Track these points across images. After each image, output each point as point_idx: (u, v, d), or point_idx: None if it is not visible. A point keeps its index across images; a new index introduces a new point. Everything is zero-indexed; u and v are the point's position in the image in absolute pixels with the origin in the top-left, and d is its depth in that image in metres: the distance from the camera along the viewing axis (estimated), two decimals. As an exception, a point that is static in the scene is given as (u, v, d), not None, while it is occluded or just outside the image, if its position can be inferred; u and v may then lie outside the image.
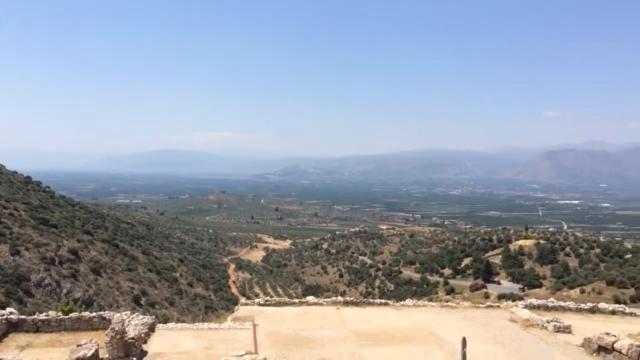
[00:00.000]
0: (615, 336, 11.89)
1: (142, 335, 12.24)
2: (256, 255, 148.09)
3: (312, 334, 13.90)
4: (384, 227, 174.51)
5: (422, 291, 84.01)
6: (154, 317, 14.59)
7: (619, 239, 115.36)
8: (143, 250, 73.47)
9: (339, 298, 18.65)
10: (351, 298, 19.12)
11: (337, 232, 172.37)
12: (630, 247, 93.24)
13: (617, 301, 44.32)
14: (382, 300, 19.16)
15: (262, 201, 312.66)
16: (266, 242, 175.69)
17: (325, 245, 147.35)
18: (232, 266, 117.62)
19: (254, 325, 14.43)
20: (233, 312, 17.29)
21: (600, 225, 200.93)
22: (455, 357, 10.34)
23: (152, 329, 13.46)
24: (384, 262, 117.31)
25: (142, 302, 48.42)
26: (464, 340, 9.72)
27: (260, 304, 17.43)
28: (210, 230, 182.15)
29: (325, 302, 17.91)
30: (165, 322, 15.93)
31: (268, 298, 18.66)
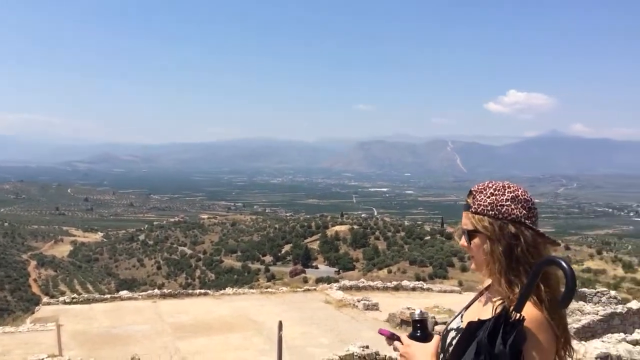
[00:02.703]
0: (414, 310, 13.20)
1: None
2: (62, 250, 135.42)
3: (125, 331, 13.15)
4: (205, 216, 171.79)
5: (243, 279, 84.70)
6: None
7: (420, 222, 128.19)
8: None
9: (156, 291, 17.96)
10: (169, 290, 18.55)
11: (155, 223, 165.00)
12: (429, 229, 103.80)
13: (418, 278, 49.37)
14: (202, 291, 18.94)
15: (68, 191, 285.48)
16: (74, 235, 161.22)
17: (141, 237, 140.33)
18: (33, 263, 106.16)
19: (58, 326, 13.19)
20: (33, 313, 15.79)
21: (405, 211, 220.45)
22: (273, 341, 10.57)
23: None
24: (204, 252, 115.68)
25: None
26: (280, 323, 9.97)
27: (65, 302, 16.11)
28: (6, 224, 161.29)
29: (140, 296, 17.10)
30: (-55, 331, 13.74)
31: (75, 295, 17.30)
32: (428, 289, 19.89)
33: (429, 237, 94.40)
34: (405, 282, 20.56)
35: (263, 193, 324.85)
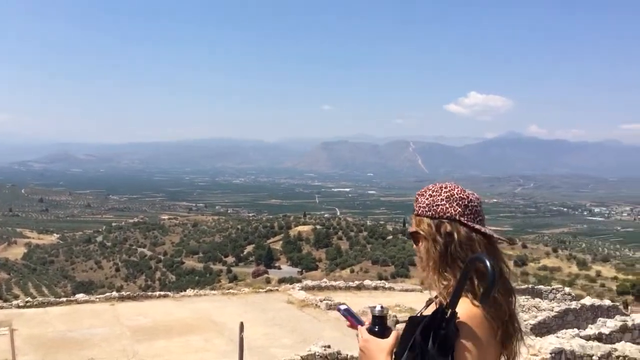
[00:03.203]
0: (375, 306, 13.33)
1: None
2: (15, 252, 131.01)
3: (82, 334, 12.80)
4: (166, 217, 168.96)
5: (204, 280, 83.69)
6: None
7: (382, 222, 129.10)
8: None
9: (114, 293, 17.54)
10: (128, 293, 18.16)
11: (113, 224, 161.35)
12: (391, 229, 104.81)
13: (380, 278, 49.91)
14: (162, 293, 18.58)
15: (22, 191, 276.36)
16: (28, 237, 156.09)
17: (99, 238, 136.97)
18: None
19: (11, 330, 12.72)
20: (-16, 318, 15.23)
21: (367, 210, 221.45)
22: (235, 342, 10.47)
23: None
24: (165, 253, 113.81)
25: None
26: (242, 324, 9.91)
27: (19, 306, 15.59)
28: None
29: (97, 299, 16.69)
30: None
31: (29, 299, 16.75)
32: (390, 288, 20.08)
33: (391, 237, 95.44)
34: (367, 282, 20.71)
35: (225, 193, 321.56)
